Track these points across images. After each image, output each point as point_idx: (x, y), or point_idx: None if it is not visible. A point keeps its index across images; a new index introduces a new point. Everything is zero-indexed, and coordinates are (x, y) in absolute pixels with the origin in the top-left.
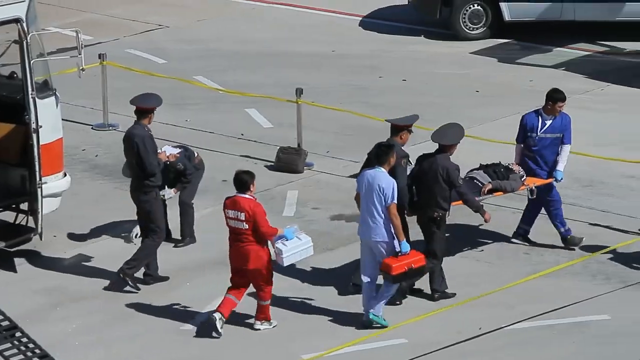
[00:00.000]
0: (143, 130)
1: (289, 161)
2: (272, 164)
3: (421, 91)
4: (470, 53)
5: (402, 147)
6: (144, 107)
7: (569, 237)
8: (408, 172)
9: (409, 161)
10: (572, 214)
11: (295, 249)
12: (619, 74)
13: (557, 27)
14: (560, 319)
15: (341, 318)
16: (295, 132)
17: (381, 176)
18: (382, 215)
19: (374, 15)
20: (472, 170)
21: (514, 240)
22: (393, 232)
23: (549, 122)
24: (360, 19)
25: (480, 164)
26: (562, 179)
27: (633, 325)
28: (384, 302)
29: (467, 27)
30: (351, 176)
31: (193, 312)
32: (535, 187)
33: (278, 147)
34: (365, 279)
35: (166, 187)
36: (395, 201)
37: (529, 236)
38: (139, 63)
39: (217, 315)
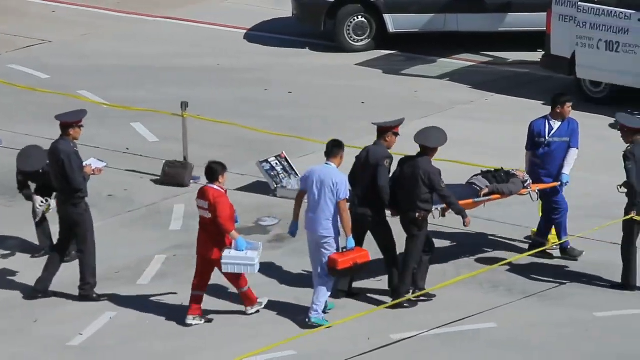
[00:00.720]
0: (68, 146)
1: (175, 175)
2: (158, 178)
3: (307, 103)
4: (355, 65)
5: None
6: (67, 122)
7: (568, 248)
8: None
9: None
10: (459, 224)
11: (236, 260)
12: (503, 84)
13: (441, 38)
14: (449, 327)
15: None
16: (181, 145)
17: (333, 172)
18: (332, 211)
19: (258, 28)
20: (472, 177)
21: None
22: (340, 227)
23: (556, 126)
24: (245, 32)
25: (482, 170)
26: (568, 182)
27: (520, 333)
28: (325, 299)
29: (352, 39)
30: (237, 189)
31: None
32: (537, 190)
33: (164, 161)
34: (316, 273)
35: (50, 199)
36: (348, 197)
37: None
38: (21, 78)
39: (190, 319)
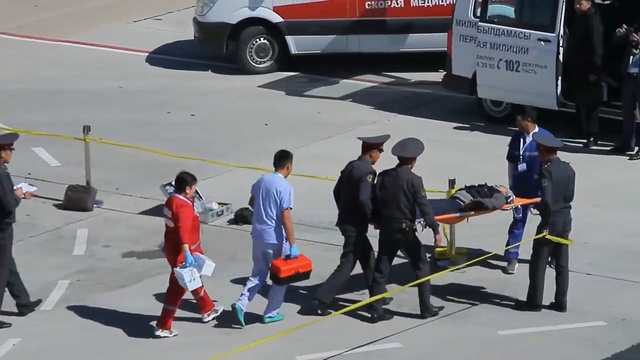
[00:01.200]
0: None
1: (77, 199)
2: (61, 202)
3: (210, 125)
4: (258, 86)
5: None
6: None
7: (513, 259)
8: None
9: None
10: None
11: (180, 272)
12: (405, 104)
13: (343, 59)
14: (356, 349)
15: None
16: (83, 170)
17: (278, 181)
18: (276, 219)
19: (160, 51)
20: (457, 191)
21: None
22: (284, 235)
23: (528, 141)
24: (147, 54)
25: (465, 185)
26: None
27: (426, 353)
28: (277, 308)
29: (254, 60)
30: (141, 212)
31: None
32: (520, 205)
33: (67, 186)
34: (254, 280)
35: None
36: (291, 206)
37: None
38: None
39: (159, 333)
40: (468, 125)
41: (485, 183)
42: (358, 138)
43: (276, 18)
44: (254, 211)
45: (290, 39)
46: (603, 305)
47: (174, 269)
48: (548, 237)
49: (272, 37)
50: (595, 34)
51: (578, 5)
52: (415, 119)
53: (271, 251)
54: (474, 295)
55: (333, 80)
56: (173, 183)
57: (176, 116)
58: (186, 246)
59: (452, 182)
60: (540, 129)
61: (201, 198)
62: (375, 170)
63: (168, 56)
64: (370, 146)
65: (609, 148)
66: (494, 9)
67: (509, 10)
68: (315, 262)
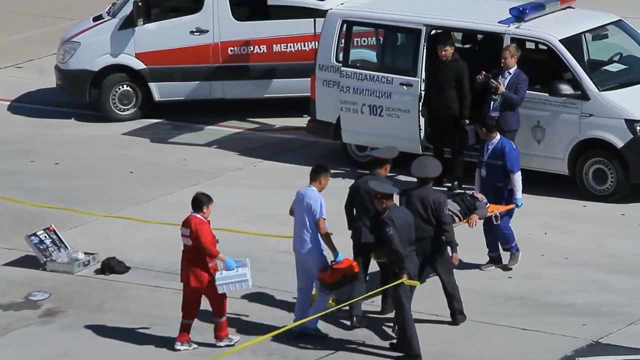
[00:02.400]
0: None
1: None
2: None
3: (74, 174)
4: (123, 134)
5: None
6: None
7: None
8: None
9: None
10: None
11: (230, 279)
12: (270, 150)
13: (207, 106)
14: None
15: None
16: None
17: (310, 194)
18: (311, 230)
19: (22, 99)
20: None
21: (485, 268)
22: (321, 246)
23: (490, 148)
24: (9, 103)
25: (448, 194)
26: (522, 204)
27: None
28: (318, 314)
29: (118, 108)
30: (6, 264)
31: None
32: (499, 213)
33: None
34: (299, 293)
35: None
36: (324, 216)
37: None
38: None
39: (178, 344)
40: (334, 171)
41: (465, 191)
42: (368, 153)
43: (139, 65)
44: (293, 225)
45: (153, 86)
46: (472, 350)
47: (217, 277)
48: (406, 281)
49: (135, 84)
50: (464, 79)
51: (443, 52)
52: (281, 164)
53: (310, 262)
54: (342, 343)
55: (198, 126)
56: (38, 233)
57: (40, 165)
58: (221, 255)
59: None
60: (502, 138)
61: (67, 248)
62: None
63: (30, 104)
64: (382, 161)
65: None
66: (356, 54)
67: (372, 55)
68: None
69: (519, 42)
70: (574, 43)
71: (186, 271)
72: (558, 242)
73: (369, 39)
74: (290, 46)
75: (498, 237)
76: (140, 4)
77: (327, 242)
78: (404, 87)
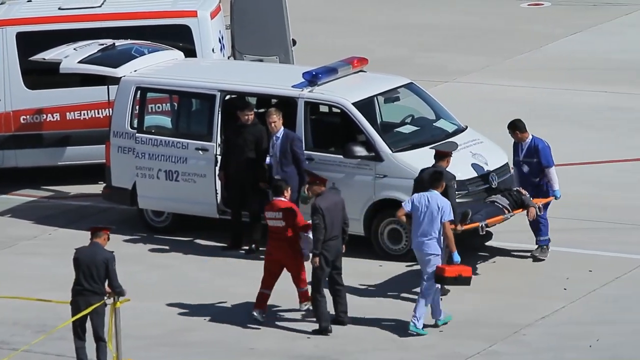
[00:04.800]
0: None
1: None
2: None
3: None
4: None
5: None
6: None
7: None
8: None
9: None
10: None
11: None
12: (66, 218)
13: (0, 175)
14: None
15: None
16: None
17: (438, 197)
18: (436, 232)
19: None
20: (492, 196)
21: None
22: (445, 245)
23: (525, 147)
24: None
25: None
26: (560, 196)
27: None
28: (425, 306)
29: None
30: None
31: None
32: (541, 205)
33: None
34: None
35: None
36: (452, 218)
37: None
38: None
39: (255, 313)
40: (131, 237)
41: (511, 187)
42: (431, 147)
43: None
44: (413, 226)
45: None
46: None
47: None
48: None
49: None
50: (263, 142)
51: (246, 117)
52: (77, 232)
53: (432, 261)
54: None
55: None
56: None
57: None
58: (309, 231)
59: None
60: (534, 137)
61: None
62: (454, 175)
63: None
64: (445, 154)
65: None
66: (150, 120)
67: (166, 121)
68: None
69: (313, 105)
70: (366, 106)
71: (279, 249)
72: (356, 301)
73: (164, 105)
74: (84, 113)
75: (535, 229)
76: None
77: (451, 243)
78: (200, 151)
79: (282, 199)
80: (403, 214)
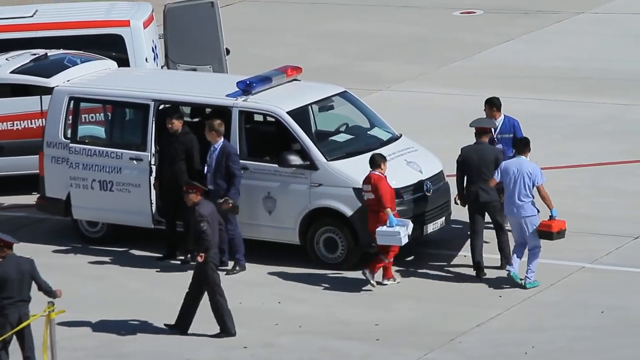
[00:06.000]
0: None
1: None
2: None
3: None
4: None
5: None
6: None
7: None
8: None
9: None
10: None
11: (385, 233)
12: (0, 228)
13: None
14: None
15: None
16: None
17: (527, 163)
18: (530, 195)
19: None
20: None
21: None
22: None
23: (499, 125)
24: None
25: None
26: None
27: None
28: (536, 262)
29: None
30: None
31: None
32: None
33: None
34: (519, 247)
35: None
36: (545, 180)
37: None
38: None
39: (386, 282)
40: (66, 247)
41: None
42: (471, 125)
43: None
44: (506, 193)
45: None
46: None
47: (377, 229)
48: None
49: None
50: (194, 152)
51: (170, 125)
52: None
53: (529, 222)
54: None
55: None
56: None
57: None
58: (388, 210)
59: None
60: (506, 116)
61: None
62: None
63: None
64: (487, 130)
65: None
66: (84, 130)
67: (100, 131)
68: None
69: (247, 114)
70: (301, 115)
71: (370, 219)
72: (291, 311)
73: (97, 115)
74: (17, 124)
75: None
76: None
77: (549, 201)
78: (134, 161)
79: (376, 172)
80: (495, 183)
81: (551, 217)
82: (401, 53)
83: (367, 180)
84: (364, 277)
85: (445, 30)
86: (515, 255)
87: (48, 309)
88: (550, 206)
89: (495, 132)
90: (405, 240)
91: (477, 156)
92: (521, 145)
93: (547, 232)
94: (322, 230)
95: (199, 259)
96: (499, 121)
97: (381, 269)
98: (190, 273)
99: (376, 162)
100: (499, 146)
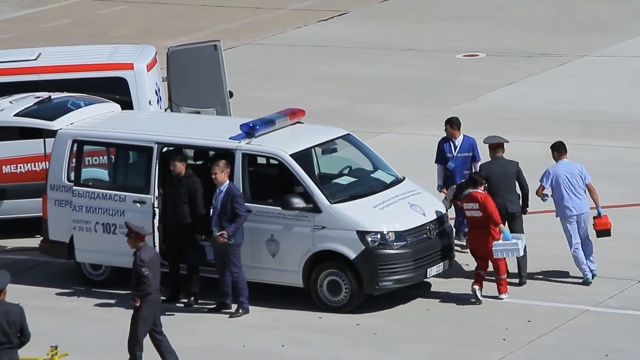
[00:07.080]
0: None
1: None
2: None
3: None
4: None
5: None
6: None
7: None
8: None
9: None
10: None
11: (504, 246)
12: None
13: None
14: None
15: None
16: None
17: (572, 163)
18: (585, 192)
19: None
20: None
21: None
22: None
23: (458, 143)
24: None
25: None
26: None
27: None
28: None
29: None
30: None
31: None
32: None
33: None
34: (578, 246)
35: None
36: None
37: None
38: None
39: (476, 288)
40: (69, 290)
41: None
42: (484, 141)
43: None
44: (556, 196)
45: None
46: None
47: (494, 243)
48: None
49: None
50: (197, 195)
51: (172, 168)
52: (15, 286)
53: (586, 218)
54: None
55: None
56: None
57: None
58: (502, 226)
59: None
60: (465, 136)
61: None
62: None
63: None
64: (500, 144)
65: (210, 307)
66: (88, 173)
67: (103, 174)
68: None
69: (251, 157)
70: (304, 157)
71: (478, 236)
72: (295, 354)
73: (101, 157)
74: (21, 167)
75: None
76: None
77: (596, 199)
78: (138, 204)
79: (478, 190)
80: (543, 189)
81: (599, 214)
82: (404, 95)
83: (472, 199)
84: (472, 294)
85: (448, 72)
86: (586, 258)
87: (51, 352)
88: (598, 203)
89: (455, 150)
90: (522, 252)
91: (498, 170)
92: (562, 150)
93: (604, 230)
94: (325, 273)
95: (134, 304)
96: (459, 140)
97: (497, 284)
98: (194, 315)
99: (477, 181)
100: (452, 164)
